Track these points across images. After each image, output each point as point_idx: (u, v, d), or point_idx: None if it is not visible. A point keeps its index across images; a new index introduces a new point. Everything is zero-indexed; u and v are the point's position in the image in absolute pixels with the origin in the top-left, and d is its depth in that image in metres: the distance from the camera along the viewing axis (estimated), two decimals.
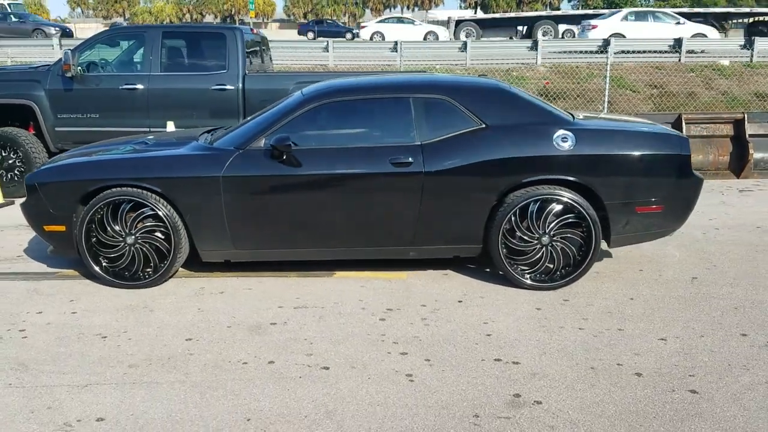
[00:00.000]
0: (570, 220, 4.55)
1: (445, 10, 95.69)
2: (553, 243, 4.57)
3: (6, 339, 3.97)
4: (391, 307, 4.41)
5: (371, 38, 28.08)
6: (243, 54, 7.57)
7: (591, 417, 3.13)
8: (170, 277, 4.85)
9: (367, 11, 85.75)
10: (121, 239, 4.67)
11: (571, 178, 4.51)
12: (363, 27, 31.87)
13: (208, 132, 5.31)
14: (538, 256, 4.61)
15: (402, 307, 4.40)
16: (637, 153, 4.52)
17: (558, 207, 4.54)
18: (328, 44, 17.86)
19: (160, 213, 4.59)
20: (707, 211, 6.88)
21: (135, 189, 4.59)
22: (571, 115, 4.95)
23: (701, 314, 4.26)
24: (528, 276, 4.63)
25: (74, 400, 3.28)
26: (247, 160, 4.58)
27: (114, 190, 4.61)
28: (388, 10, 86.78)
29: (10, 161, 7.56)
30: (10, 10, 29.70)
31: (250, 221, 4.63)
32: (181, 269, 5.07)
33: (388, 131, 4.65)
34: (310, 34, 36.79)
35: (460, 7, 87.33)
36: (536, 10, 76.76)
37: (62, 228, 4.73)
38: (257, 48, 8.51)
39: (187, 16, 77.43)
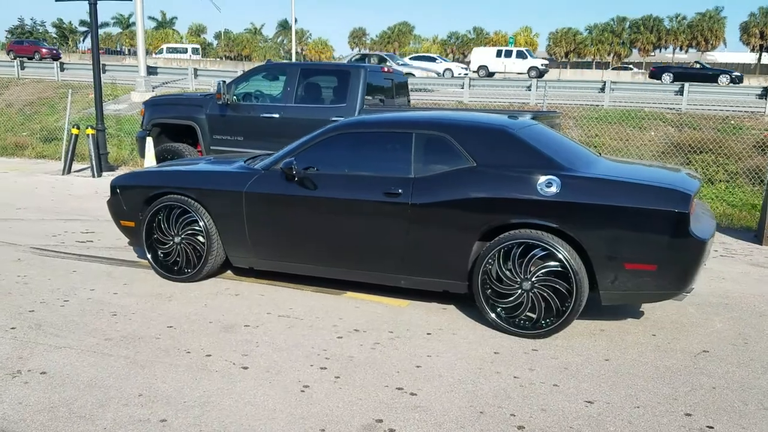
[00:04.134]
0: (554, 269, 4.40)
1: (726, 53, 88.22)
2: (535, 290, 4.45)
3: (49, 305, 4.97)
4: (360, 328, 4.64)
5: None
6: (363, 90, 8.22)
7: None
8: (206, 276, 5.58)
9: (635, 51, 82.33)
10: (171, 238, 5.52)
11: (552, 225, 4.37)
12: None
13: (268, 155, 5.99)
14: (519, 300, 4.52)
15: (369, 330, 4.61)
16: (625, 205, 4.24)
17: (541, 253, 4.42)
18: (464, 83, 18.08)
19: (198, 219, 5.34)
20: None
21: (181, 196, 5.40)
22: (599, 156, 4.89)
23: (664, 387, 3.87)
24: (510, 321, 4.55)
25: (42, 356, 4.08)
26: (267, 179, 5.15)
27: (169, 196, 5.46)
28: (657, 50, 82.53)
29: None
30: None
31: (266, 233, 5.19)
32: (229, 271, 5.81)
33: (389, 163, 4.90)
34: (667, 77, 30.40)
35: (752, 50, 79.81)
36: None
37: (132, 224, 5.72)
38: (388, 85, 9.10)
39: (450, 56, 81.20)
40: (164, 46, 53.95)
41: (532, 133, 4.91)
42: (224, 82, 8.77)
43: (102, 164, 11.51)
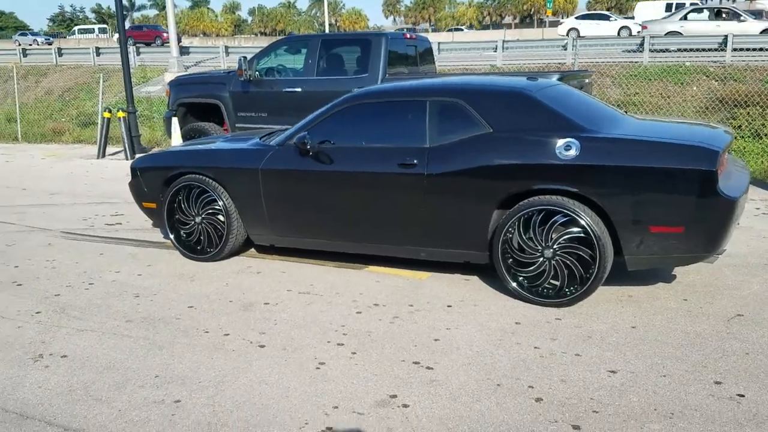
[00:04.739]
0: (576, 235, 4.25)
1: None
2: (557, 257, 4.31)
3: (74, 288, 5.03)
4: (380, 303, 4.57)
5: (567, 34, 26.59)
6: (384, 59, 8.06)
7: (440, 428, 3.06)
8: (229, 255, 5.58)
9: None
10: (192, 218, 5.52)
11: (573, 189, 4.21)
12: (560, 24, 29.92)
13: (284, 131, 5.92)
14: (541, 269, 4.39)
15: (389, 304, 4.54)
16: (648, 165, 4.04)
17: (562, 219, 4.27)
18: (497, 45, 17.67)
19: (217, 198, 5.32)
20: None
21: (199, 176, 5.38)
22: (624, 115, 4.80)
23: (693, 353, 3.71)
24: (532, 290, 4.43)
25: (63, 339, 4.12)
26: (282, 155, 5.09)
27: (187, 176, 5.45)
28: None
29: None
30: None
31: (283, 210, 5.14)
32: (252, 249, 5.80)
33: (404, 133, 4.77)
34: None
35: None
36: None
37: (154, 205, 5.74)
38: (412, 53, 8.91)
39: (487, 18, 79.65)
40: (76, 28, 60.06)
41: (553, 95, 4.72)
42: (245, 58, 8.71)
43: (135, 146, 11.63)
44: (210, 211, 5.43)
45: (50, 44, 44.08)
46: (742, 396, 3.26)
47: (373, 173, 4.74)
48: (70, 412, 3.29)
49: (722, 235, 4.06)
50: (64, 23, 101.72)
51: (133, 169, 5.81)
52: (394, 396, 3.35)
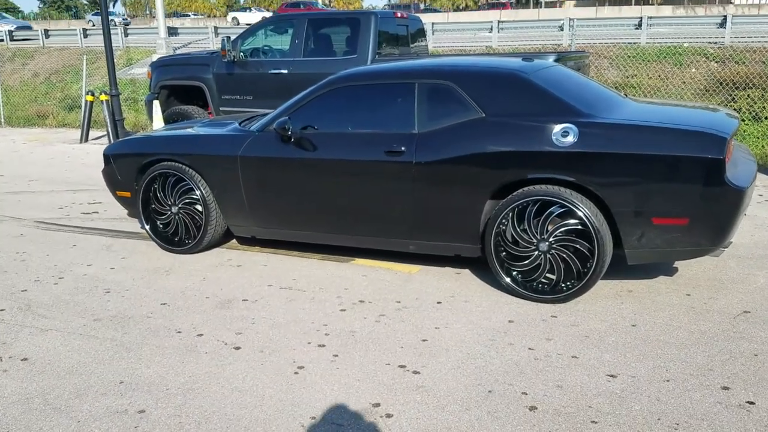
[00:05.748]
0: (573, 227, 3.99)
1: None
2: (553, 251, 4.05)
3: (43, 283, 4.75)
4: (365, 299, 4.31)
5: None
6: (374, 39, 7.73)
7: None
8: (208, 247, 5.30)
9: None
10: (168, 208, 5.23)
11: (570, 178, 3.93)
12: None
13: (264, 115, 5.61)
14: (536, 263, 4.12)
15: (375, 301, 4.28)
16: (650, 153, 3.76)
17: (558, 210, 4.00)
18: (492, 26, 17.24)
19: (194, 187, 5.03)
20: None
21: (175, 163, 5.09)
22: (625, 98, 4.61)
23: (698, 355, 3.46)
24: (526, 285, 4.18)
25: (26, 340, 3.85)
26: (262, 141, 4.80)
27: (163, 163, 5.15)
28: None
29: None
30: None
31: (264, 200, 4.85)
32: (234, 241, 5.53)
33: (391, 118, 4.48)
34: None
35: None
36: None
37: (128, 194, 5.44)
38: (403, 32, 8.58)
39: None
40: None
41: (549, 77, 4.43)
42: (228, 38, 8.37)
43: (119, 131, 11.27)
44: (187, 200, 5.14)
45: (128, 25, 42.18)
46: (752, 403, 3.02)
47: (358, 161, 4.45)
48: (25, 423, 3.02)
49: (729, 227, 3.79)
50: (55, 5, 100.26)
51: (106, 156, 5.51)
52: (377, 404, 3.10)
